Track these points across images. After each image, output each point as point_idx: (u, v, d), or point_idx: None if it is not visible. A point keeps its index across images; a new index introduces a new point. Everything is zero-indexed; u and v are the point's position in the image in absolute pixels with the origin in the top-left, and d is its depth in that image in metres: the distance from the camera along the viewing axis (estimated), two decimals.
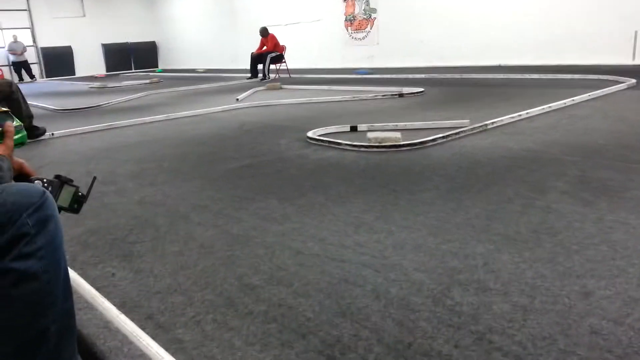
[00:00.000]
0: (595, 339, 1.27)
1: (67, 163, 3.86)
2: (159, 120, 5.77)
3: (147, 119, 5.78)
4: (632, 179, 2.54)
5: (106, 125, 5.43)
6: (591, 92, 5.35)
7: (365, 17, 12.58)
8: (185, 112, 6.14)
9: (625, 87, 5.85)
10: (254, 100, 7.01)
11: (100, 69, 18.92)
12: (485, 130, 3.98)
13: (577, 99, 5.04)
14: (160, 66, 20.20)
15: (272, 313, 1.50)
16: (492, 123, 4.09)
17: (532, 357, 1.22)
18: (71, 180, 1.25)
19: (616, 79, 6.42)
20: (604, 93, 5.44)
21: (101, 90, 10.96)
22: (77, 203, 1.27)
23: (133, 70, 19.60)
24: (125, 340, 1.33)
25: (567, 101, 4.93)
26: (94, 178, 1.36)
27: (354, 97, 6.62)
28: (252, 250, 1.96)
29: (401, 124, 4.28)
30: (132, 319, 1.47)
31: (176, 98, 8.36)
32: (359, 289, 1.61)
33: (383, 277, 1.67)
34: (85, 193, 1.28)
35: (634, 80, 6.01)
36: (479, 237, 1.96)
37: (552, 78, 7.26)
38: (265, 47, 11.16)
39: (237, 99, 7.22)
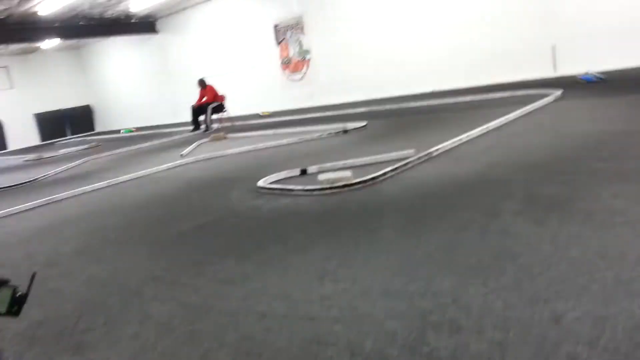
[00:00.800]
0: None
1: (4, 247, 3.61)
2: (101, 188, 5.55)
3: (88, 188, 5.54)
4: (576, 191, 2.63)
5: (44, 200, 5.16)
6: (523, 107, 5.60)
7: (300, 58, 12.84)
8: (127, 176, 5.94)
9: (553, 99, 6.17)
10: (199, 154, 6.89)
11: (33, 139, 18.23)
12: (430, 158, 4.05)
13: (511, 116, 5.26)
14: (98, 129, 19.71)
15: None
16: (436, 150, 4.17)
17: None
18: (7, 281, 1.14)
19: (543, 92, 6.77)
20: (535, 107, 5.71)
21: (37, 162, 10.51)
22: (16, 304, 1.15)
23: (69, 137, 19.01)
24: None
25: (502, 119, 5.12)
26: (34, 274, 1.24)
27: (300, 138, 6.65)
28: (214, 321, 1.86)
29: (350, 161, 4.30)
30: None
31: (117, 161, 8.12)
32: (333, 348, 1.54)
33: (356, 331, 1.61)
34: (25, 292, 1.16)
35: (559, 92, 6.36)
36: (443, 271, 1.95)
37: (484, 98, 7.58)
38: (205, 98, 11.13)
39: (182, 155, 7.09)
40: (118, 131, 16.30)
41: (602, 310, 1.48)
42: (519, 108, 5.61)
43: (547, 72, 9.04)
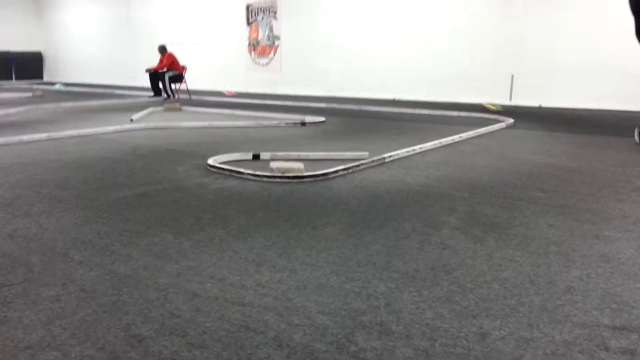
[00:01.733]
0: None
1: None
2: (40, 140, 5.25)
3: (26, 137, 5.24)
4: (515, 216, 2.73)
5: None
6: (476, 129, 5.78)
7: (269, 43, 12.67)
8: (70, 132, 5.66)
9: (505, 126, 6.40)
10: (150, 122, 6.66)
11: None
12: (383, 163, 4.10)
13: (464, 135, 5.41)
14: (47, 78, 18.66)
15: None
16: (390, 156, 4.23)
17: None
18: None
19: (497, 117, 7.02)
20: (487, 131, 5.91)
21: None
22: None
23: (13, 81, 17.90)
24: None
25: (456, 137, 5.26)
26: None
27: (257, 123, 6.56)
28: (141, 294, 1.79)
29: (303, 154, 4.28)
30: None
31: (61, 115, 7.72)
32: (261, 336, 1.52)
33: (286, 322, 1.60)
34: None
35: (512, 120, 6.60)
36: (381, 275, 1.97)
37: (441, 114, 7.77)
38: (158, 65, 10.76)
39: (132, 119, 6.83)
40: (53, 84, 15.49)
41: (526, 333, 1.54)
42: (473, 129, 5.78)
43: (504, 100, 9.37)
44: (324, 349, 1.46)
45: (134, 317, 1.63)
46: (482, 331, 1.55)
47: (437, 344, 1.48)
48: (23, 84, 16.80)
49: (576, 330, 1.56)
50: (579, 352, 1.44)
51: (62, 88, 14.07)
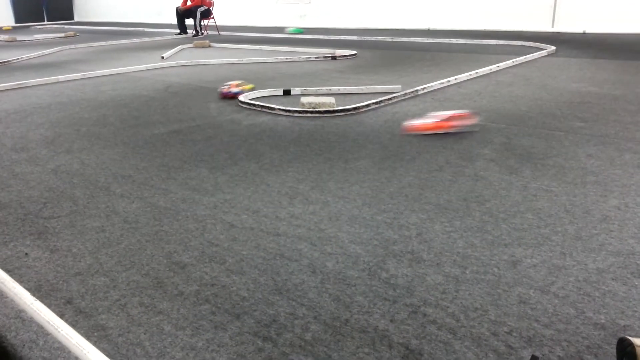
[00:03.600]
0: (524, 308, 1.32)
1: None
2: (76, 79, 5.34)
3: (62, 77, 5.33)
4: (553, 146, 2.66)
5: (16, 84, 4.95)
6: (515, 58, 5.53)
7: None
8: (104, 71, 5.72)
9: (546, 54, 6.10)
10: (180, 59, 6.65)
11: (7, 20, 17.18)
12: (416, 96, 4.01)
13: (502, 65, 5.20)
14: (77, 18, 18.67)
15: (204, 293, 1.43)
16: (423, 89, 4.13)
17: (465, 330, 1.25)
18: None
19: (537, 45, 6.68)
20: (527, 60, 5.65)
21: (9, 44, 9.98)
22: None
23: (46, 23, 17.99)
24: (40, 331, 1.22)
25: (493, 67, 5.06)
26: None
27: (286, 58, 6.45)
28: (181, 225, 1.87)
29: (334, 88, 4.22)
30: (49, 305, 1.35)
31: (94, 54, 7.77)
32: (295, 263, 1.58)
33: (319, 251, 1.65)
34: None
35: (553, 48, 6.28)
36: (413, 206, 1.98)
37: (478, 43, 7.44)
38: (190, 2, 10.56)
39: (163, 57, 6.83)
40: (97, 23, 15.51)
41: (558, 261, 1.54)
42: (511, 58, 5.54)
43: (545, 27, 8.88)
44: (356, 275, 1.50)
45: (175, 245, 1.71)
46: (513, 259, 1.56)
47: (467, 271, 1.51)
48: (54, 25, 16.88)
49: (610, 258, 1.55)
50: (612, 279, 1.44)
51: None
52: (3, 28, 15.27)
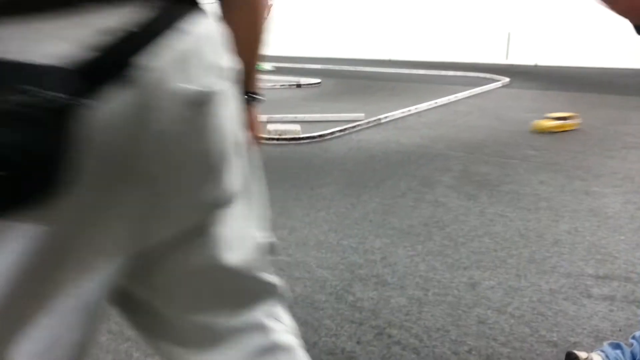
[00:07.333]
0: (482, 328, 1.39)
1: None
2: None
3: None
4: (508, 173, 2.80)
5: None
6: (472, 89, 5.80)
7: None
8: None
9: (501, 85, 6.41)
10: None
11: None
12: (379, 124, 4.14)
13: (460, 95, 5.43)
14: None
15: None
16: (385, 117, 4.26)
17: (428, 349, 1.30)
18: None
19: (492, 77, 7.02)
20: (483, 90, 5.92)
21: None
22: None
23: None
24: None
25: (451, 97, 5.29)
26: None
27: None
28: None
29: (300, 116, 4.31)
30: None
31: None
32: None
33: (287, 276, 1.68)
34: None
35: (507, 79, 6.61)
36: (377, 231, 2.05)
37: (436, 74, 7.74)
38: None
39: None
40: None
41: (514, 282, 1.63)
42: (468, 89, 5.79)
43: (500, 59, 9.33)
44: (323, 299, 1.55)
45: None
46: (472, 281, 1.64)
47: (429, 293, 1.57)
48: None
49: (562, 279, 1.65)
50: (564, 299, 1.53)
51: None
52: None
